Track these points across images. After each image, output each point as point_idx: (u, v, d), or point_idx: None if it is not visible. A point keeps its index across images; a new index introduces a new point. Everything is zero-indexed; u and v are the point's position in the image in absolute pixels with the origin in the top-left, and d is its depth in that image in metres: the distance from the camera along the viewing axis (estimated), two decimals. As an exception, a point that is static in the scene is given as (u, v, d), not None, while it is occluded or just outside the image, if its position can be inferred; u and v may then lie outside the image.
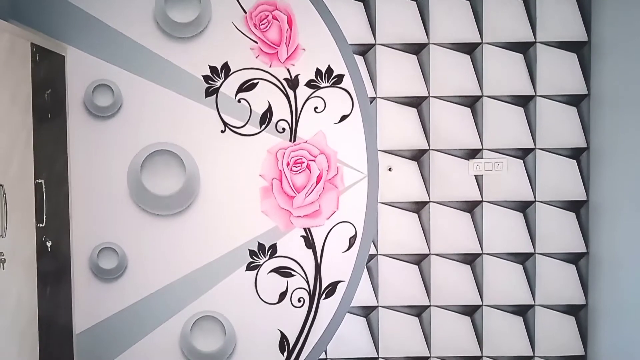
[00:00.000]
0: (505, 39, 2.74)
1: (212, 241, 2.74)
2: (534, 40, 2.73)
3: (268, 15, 2.71)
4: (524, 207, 2.77)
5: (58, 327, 2.56)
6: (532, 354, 2.80)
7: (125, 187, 2.72)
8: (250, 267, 2.75)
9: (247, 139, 2.75)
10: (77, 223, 2.72)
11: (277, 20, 2.72)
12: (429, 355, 2.81)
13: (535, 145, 2.75)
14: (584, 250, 2.76)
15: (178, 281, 2.75)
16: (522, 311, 2.80)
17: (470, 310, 2.80)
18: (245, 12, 2.71)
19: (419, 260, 2.78)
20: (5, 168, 2.08)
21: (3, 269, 2.03)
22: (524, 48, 2.74)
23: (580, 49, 2.73)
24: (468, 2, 2.74)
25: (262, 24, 2.72)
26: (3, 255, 2.03)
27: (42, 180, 2.35)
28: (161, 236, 2.74)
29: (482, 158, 2.76)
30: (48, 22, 2.68)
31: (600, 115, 2.65)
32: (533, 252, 2.77)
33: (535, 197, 2.76)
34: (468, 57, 2.75)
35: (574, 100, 2.74)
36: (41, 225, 2.34)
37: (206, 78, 2.73)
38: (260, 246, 2.75)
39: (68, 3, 2.68)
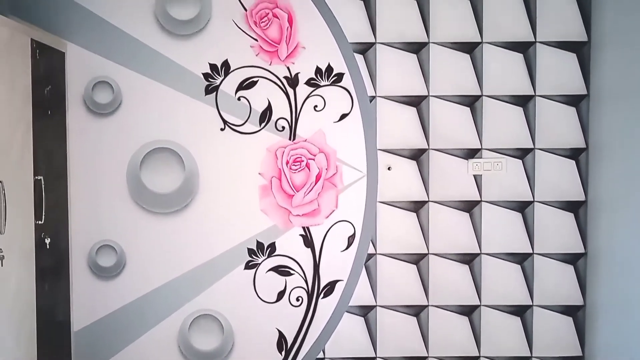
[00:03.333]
0: (505, 38, 2.73)
1: (210, 239, 2.74)
2: (533, 40, 2.73)
3: (268, 13, 2.71)
4: (522, 207, 2.77)
5: (56, 324, 2.55)
6: (529, 354, 2.80)
7: (124, 185, 2.72)
8: (248, 266, 2.75)
9: (246, 137, 2.75)
10: (76, 220, 2.71)
11: (277, 18, 2.72)
12: (427, 355, 2.81)
13: (534, 145, 2.75)
14: (582, 250, 2.76)
15: (176, 279, 2.75)
16: (520, 311, 2.80)
17: (468, 310, 2.80)
18: (245, 9, 2.71)
19: (418, 259, 2.78)
20: (4, 164, 2.07)
21: (2, 265, 2.03)
22: (523, 48, 2.74)
23: (580, 49, 2.73)
24: (468, 1, 2.74)
25: (262, 22, 2.71)
26: (2, 252, 2.03)
27: (41, 177, 2.35)
28: (160, 234, 2.74)
29: (481, 158, 2.76)
30: (48, 18, 2.67)
31: (600, 115, 2.65)
32: (531, 252, 2.77)
33: (534, 197, 2.76)
34: (468, 56, 2.75)
35: (573, 101, 2.75)
36: (40, 222, 2.33)
37: (206, 76, 2.72)
38: (259, 245, 2.75)
39: (68, -1, 2.68)
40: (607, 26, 2.59)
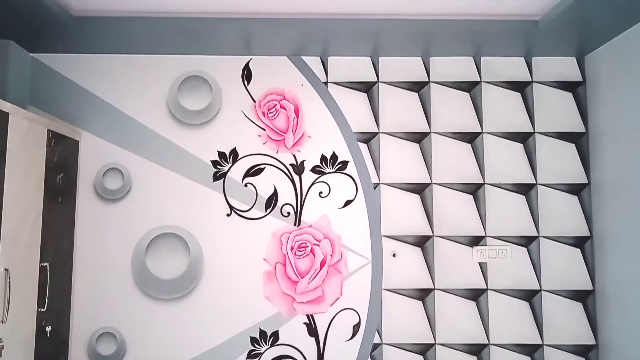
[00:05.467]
0: (505, 128, 2.82)
1: (213, 327, 2.69)
2: (532, 131, 2.81)
3: (276, 105, 2.83)
4: (530, 296, 2.73)
5: (50, 416, 2.46)
6: None
7: (129, 270, 2.72)
8: (251, 356, 2.68)
9: (252, 223, 2.78)
10: (78, 307, 2.69)
11: (284, 109, 2.83)
12: None
13: (538, 233, 2.76)
14: (593, 342, 2.69)
15: (177, 368, 2.68)
16: (533, 406, 2.68)
17: (478, 404, 2.69)
18: (254, 101, 2.83)
19: (425, 350, 2.71)
20: (12, 252, 2.09)
21: (1, 356, 1.99)
22: (523, 138, 2.82)
23: (578, 139, 2.81)
24: (467, 93, 2.85)
25: (270, 112, 2.83)
26: (1, 342, 2.00)
27: (47, 264, 2.36)
28: (161, 321, 2.69)
29: (485, 245, 2.76)
30: (65, 107, 2.79)
31: (602, 204, 2.68)
32: (541, 343, 2.70)
33: (540, 286, 2.73)
34: (469, 145, 2.83)
35: (574, 189, 2.78)
36: (42, 309, 2.31)
37: (214, 163, 2.80)
38: (262, 333, 2.70)
39: (85, 90, 2.81)
40: (604, 118, 2.68)
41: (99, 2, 2.32)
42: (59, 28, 2.46)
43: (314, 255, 2.76)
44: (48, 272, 2.36)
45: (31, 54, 2.81)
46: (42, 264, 2.33)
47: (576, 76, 2.84)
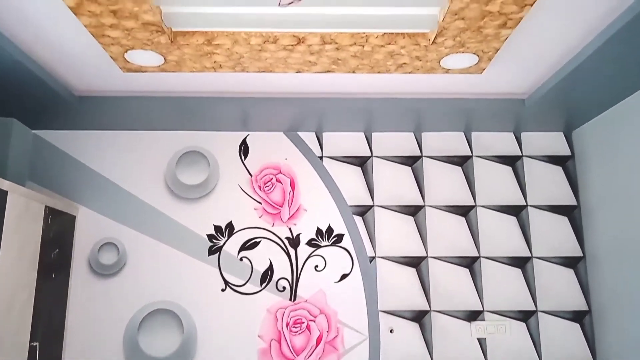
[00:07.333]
0: (498, 202, 2.86)
1: (205, 408, 2.60)
2: (525, 204, 2.85)
3: (272, 178, 2.87)
4: (531, 373, 2.67)
5: None
6: None
7: (120, 349, 2.65)
8: None
9: (247, 298, 2.74)
10: (66, 387, 2.60)
11: (280, 182, 2.87)
12: None
13: (536, 307, 2.73)
14: (599, 421, 2.61)
15: None
16: None
17: None
18: (251, 175, 2.88)
19: None
20: (2, 331, 2.04)
21: None
22: (516, 211, 2.85)
23: (570, 212, 2.84)
24: (460, 167, 2.91)
25: (266, 186, 2.86)
26: None
27: (37, 343, 2.30)
28: (152, 402, 2.60)
29: (483, 320, 2.72)
30: (63, 183, 2.82)
31: (598, 277, 2.67)
32: (545, 423, 2.61)
33: (541, 363, 2.67)
34: (463, 218, 2.85)
35: (570, 262, 2.78)
36: (28, 392, 2.23)
37: (210, 237, 2.80)
38: (256, 415, 2.60)
39: (83, 165, 2.85)
40: (594, 191, 2.72)
41: (102, 83, 2.40)
42: (61, 107, 2.53)
43: (309, 331, 2.70)
44: (37, 352, 2.30)
45: (33, 131, 2.87)
46: (32, 343, 2.27)
47: (565, 150, 2.91)
